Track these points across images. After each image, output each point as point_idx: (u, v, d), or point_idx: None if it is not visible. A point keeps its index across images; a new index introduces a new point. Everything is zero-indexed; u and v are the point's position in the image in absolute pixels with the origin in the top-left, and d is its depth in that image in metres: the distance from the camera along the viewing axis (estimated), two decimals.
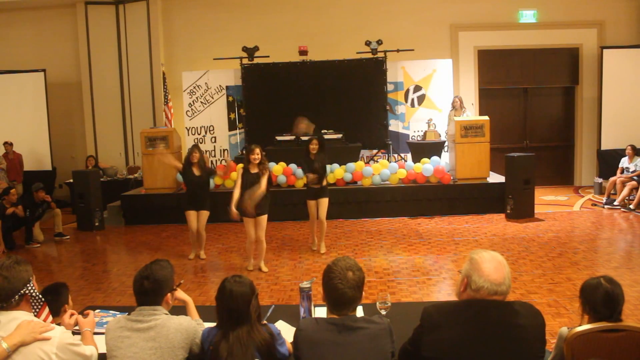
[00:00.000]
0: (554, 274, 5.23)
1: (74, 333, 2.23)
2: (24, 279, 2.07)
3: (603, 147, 10.07)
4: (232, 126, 10.31)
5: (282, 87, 9.78)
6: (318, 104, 9.66)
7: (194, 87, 10.28)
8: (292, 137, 9.13)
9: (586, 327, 2.22)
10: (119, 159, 10.99)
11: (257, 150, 5.44)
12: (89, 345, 2.23)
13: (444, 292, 4.93)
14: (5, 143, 9.81)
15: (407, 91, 10.07)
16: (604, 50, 9.94)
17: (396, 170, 8.44)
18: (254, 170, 5.46)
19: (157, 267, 2.20)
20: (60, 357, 1.99)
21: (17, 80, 10.49)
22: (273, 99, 9.82)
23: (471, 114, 9.56)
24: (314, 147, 6.03)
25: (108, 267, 6.40)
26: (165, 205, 8.48)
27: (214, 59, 9.88)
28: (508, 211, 7.88)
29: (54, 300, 2.57)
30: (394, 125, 10.05)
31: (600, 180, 9.66)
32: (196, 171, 6.16)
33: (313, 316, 2.67)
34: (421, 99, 10.05)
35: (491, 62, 10.52)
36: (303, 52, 9.70)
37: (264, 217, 5.58)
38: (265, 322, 2.26)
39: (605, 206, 8.42)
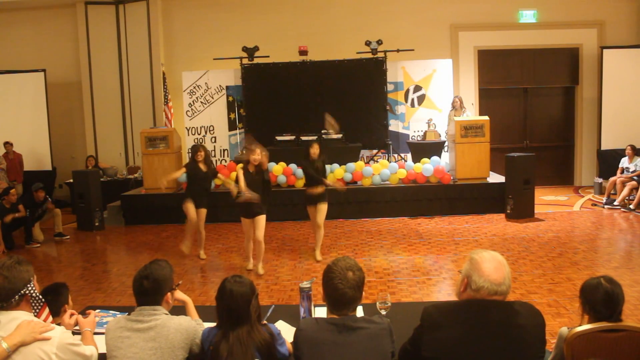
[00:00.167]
0: (554, 274, 5.23)
1: (74, 333, 2.23)
2: (24, 279, 2.07)
3: (603, 147, 10.07)
4: (232, 126, 10.31)
5: (282, 87, 9.78)
6: (318, 104, 9.65)
7: (194, 87, 10.28)
8: (292, 137, 9.13)
9: (586, 327, 2.22)
10: (119, 159, 10.99)
11: (258, 151, 5.42)
12: (89, 345, 2.23)
13: (444, 292, 4.93)
14: (6, 143, 9.80)
15: (407, 91, 10.07)
16: (604, 50, 9.94)
17: (396, 170, 8.44)
18: (253, 170, 5.46)
19: (156, 267, 2.20)
20: (60, 357, 1.99)
21: (17, 80, 10.49)
22: (273, 99, 9.82)
23: (471, 114, 9.56)
24: (315, 151, 5.94)
25: (108, 267, 6.40)
26: (165, 205, 8.49)
27: (214, 59, 9.88)
28: (508, 211, 7.88)
29: (54, 300, 2.57)
30: (394, 125, 10.05)
31: (600, 180, 9.67)
32: (203, 167, 6.24)
33: (313, 316, 2.67)
34: (421, 99, 10.05)
35: (491, 62, 10.52)
36: (303, 52, 9.70)
37: (262, 217, 5.51)
38: (265, 322, 2.26)
39: (605, 206, 8.42)
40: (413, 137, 9.99)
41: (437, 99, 9.98)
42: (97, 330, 2.45)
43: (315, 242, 6.19)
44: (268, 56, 9.69)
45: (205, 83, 10.26)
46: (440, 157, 8.82)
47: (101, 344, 2.22)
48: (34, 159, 10.55)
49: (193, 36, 10.70)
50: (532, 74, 10.58)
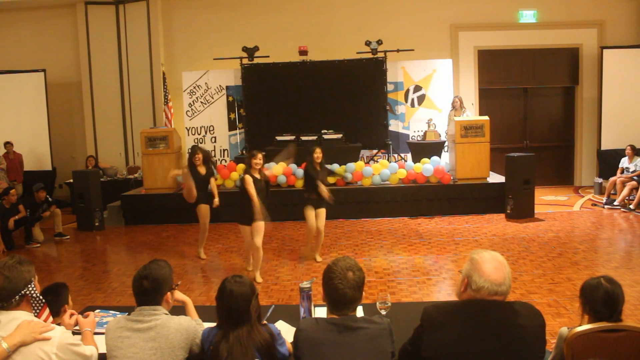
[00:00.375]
0: (554, 274, 5.23)
1: (74, 333, 2.23)
2: (25, 280, 2.07)
3: (603, 147, 10.07)
4: (232, 126, 10.31)
5: (282, 87, 9.79)
6: (318, 104, 9.67)
7: (194, 87, 10.28)
8: (292, 137, 9.13)
9: (586, 327, 2.22)
10: (119, 159, 10.99)
11: (260, 156, 5.34)
12: (89, 345, 2.23)
13: (444, 292, 4.93)
14: (7, 143, 9.81)
15: (407, 91, 10.07)
16: (604, 50, 9.94)
17: (396, 170, 8.44)
18: (257, 175, 5.35)
19: (155, 267, 2.20)
20: (60, 357, 1.99)
21: (17, 80, 10.49)
22: (273, 99, 9.83)
23: (471, 114, 9.56)
24: (318, 155, 5.82)
25: (108, 267, 6.40)
26: (165, 205, 8.49)
27: (214, 59, 9.88)
28: (508, 211, 7.88)
29: (54, 301, 2.57)
30: (394, 125, 10.05)
31: (600, 180, 9.67)
32: (202, 170, 6.22)
33: (313, 316, 2.67)
34: (421, 99, 10.05)
35: (491, 62, 10.52)
36: (303, 52, 9.70)
37: (262, 223, 5.33)
38: (265, 322, 2.26)
39: (605, 206, 8.42)
40: (413, 137, 9.99)
41: (437, 99, 9.98)
42: (97, 330, 2.45)
43: (314, 246, 6.09)
44: (268, 56, 9.69)
45: (205, 83, 10.26)
46: (440, 157, 8.82)
47: (101, 344, 2.22)
48: (34, 159, 10.56)
49: (193, 36, 10.70)
50: (532, 74, 10.58)
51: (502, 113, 10.61)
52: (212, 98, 10.29)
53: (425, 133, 9.49)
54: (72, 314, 2.48)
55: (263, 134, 9.45)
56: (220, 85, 10.25)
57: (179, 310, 2.39)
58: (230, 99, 10.28)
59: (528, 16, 10.39)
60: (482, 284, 1.85)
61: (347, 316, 2.01)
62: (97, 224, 8.25)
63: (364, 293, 2.07)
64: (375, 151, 9.92)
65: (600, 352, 2.19)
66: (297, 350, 2.00)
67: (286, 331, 2.40)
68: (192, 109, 10.33)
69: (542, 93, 10.78)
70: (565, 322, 3.93)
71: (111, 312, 2.84)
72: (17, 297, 2.05)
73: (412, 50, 9.57)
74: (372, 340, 1.96)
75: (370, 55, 9.59)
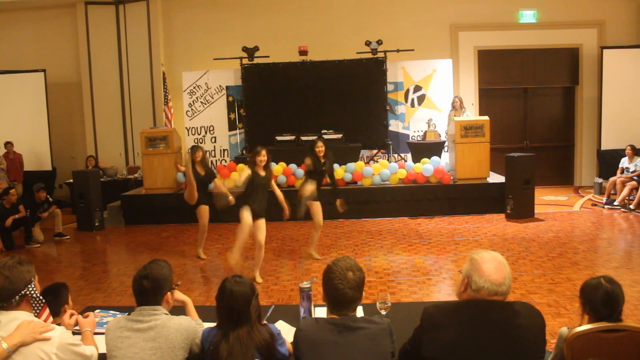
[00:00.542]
0: (554, 274, 5.23)
1: (74, 333, 2.23)
2: (25, 280, 2.07)
3: (603, 147, 10.07)
4: (232, 126, 10.31)
5: (282, 87, 9.79)
6: (318, 104, 9.67)
7: (194, 87, 10.28)
8: (292, 137, 9.14)
9: (586, 327, 2.22)
10: (119, 159, 10.99)
11: (264, 152, 5.29)
12: (89, 345, 2.23)
13: (444, 292, 4.93)
14: (7, 143, 9.81)
15: (407, 91, 10.07)
16: (604, 50, 9.94)
17: (396, 170, 8.45)
18: (262, 172, 5.32)
19: (155, 267, 2.20)
20: (61, 357, 1.99)
21: (17, 80, 10.49)
22: (273, 99, 9.83)
23: (471, 114, 9.56)
24: (320, 149, 5.76)
25: (108, 267, 6.40)
26: (165, 205, 8.49)
27: (214, 59, 9.88)
28: (508, 211, 7.88)
29: (54, 301, 2.57)
30: (394, 125, 10.05)
31: (600, 180, 9.67)
32: (200, 170, 6.20)
33: (313, 316, 2.67)
34: (421, 99, 10.05)
35: (491, 62, 10.53)
36: (303, 52, 9.70)
37: (263, 221, 5.33)
38: (265, 322, 2.26)
39: (605, 206, 8.42)
40: (413, 137, 9.99)
41: (437, 99, 9.98)
42: (97, 330, 2.46)
43: (312, 241, 6.15)
44: (268, 56, 9.69)
45: (205, 83, 10.26)
46: (440, 157, 8.82)
47: (101, 344, 2.22)
48: (34, 159, 10.56)
49: (193, 36, 10.70)
50: (532, 74, 10.58)
51: (502, 113, 10.61)
52: (212, 98, 10.29)
53: (425, 133, 9.49)
54: (72, 314, 2.48)
55: (263, 134, 9.44)
56: (220, 85, 10.25)
57: (179, 310, 2.39)
58: (230, 99, 10.28)
59: (528, 16, 10.39)
60: (482, 284, 1.85)
61: (347, 316, 2.01)
62: (97, 224, 8.25)
63: (364, 293, 2.06)
64: (375, 151, 9.92)
65: (600, 352, 2.19)
66: (297, 350, 2.00)
67: (286, 331, 2.40)
68: (192, 109, 10.33)
69: (542, 93, 10.78)
70: (565, 322, 3.93)
71: (111, 312, 2.84)
72: (17, 297, 2.05)
73: (412, 50, 9.57)
74: (372, 340, 1.96)
75: (370, 55, 9.59)
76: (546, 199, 9.30)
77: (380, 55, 9.58)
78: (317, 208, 5.90)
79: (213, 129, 10.31)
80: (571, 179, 10.87)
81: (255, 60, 9.81)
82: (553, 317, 4.11)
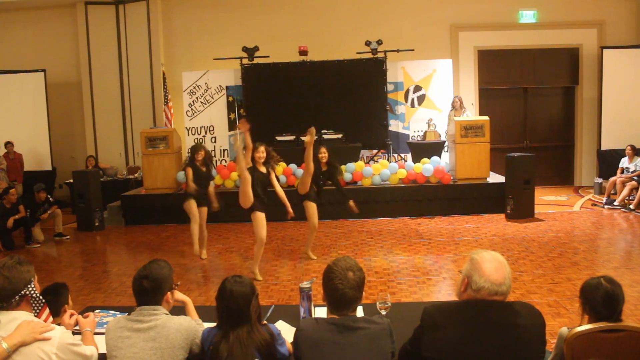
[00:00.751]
0: (554, 274, 5.23)
1: (74, 333, 2.23)
2: (25, 280, 2.07)
3: (603, 147, 10.07)
4: (232, 126, 10.30)
5: (282, 87, 9.79)
6: (318, 104, 9.67)
7: (194, 87, 10.28)
8: (292, 137, 9.13)
9: (586, 327, 2.22)
10: (119, 159, 10.99)
11: (262, 149, 5.30)
12: (89, 345, 2.23)
13: (444, 292, 4.93)
14: (7, 143, 9.81)
15: (407, 91, 10.07)
16: (604, 50, 9.94)
17: (396, 170, 8.45)
18: (262, 169, 5.32)
19: (155, 267, 2.20)
20: (61, 357, 1.99)
21: (17, 80, 10.49)
22: (273, 99, 9.82)
23: (471, 114, 9.56)
24: (322, 155, 5.75)
25: (108, 267, 6.40)
26: (165, 205, 8.48)
27: (214, 59, 9.88)
28: (508, 211, 7.88)
29: (54, 301, 2.57)
30: (394, 125, 10.05)
31: (600, 180, 9.67)
32: (202, 167, 6.23)
33: (313, 316, 2.67)
34: (421, 99, 10.05)
35: (491, 62, 10.53)
36: (303, 52, 9.70)
37: (263, 216, 5.30)
38: (265, 322, 2.26)
39: (605, 206, 8.42)
40: (413, 137, 9.99)
41: (437, 99, 9.98)
42: (97, 330, 2.46)
43: (308, 241, 6.16)
44: (268, 56, 9.69)
45: (205, 83, 10.26)
46: (440, 157, 8.82)
47: (101, 344, 2.22)
48: (34, 159, 10.56)
49: (193, 36, 10.70)
50: (532, 74, 10.58)
51: (502, 113, 10.61)
52: (212, 98, 10.29)
53: (425, 133, 9.49)
54: (72, 314, 2.48)
55: (263, 134, 9.39)
56: (220, 85, 10.25)
57: (179, 310, 2.39)
58: (230, 99, 10.28)
59: (528, 16, 10.39)
60: (482, 284, 1.85)
61: (347, 316, 2.01)
62: (97, 224, 8.25)
63: (364, 293, 2.07)
64: (375, 151, 9.92)
65: (600, 352, 2.19)
66: (297, 350, 2.00)
67: (286, 331, 2.40)
68: (192, 109, 10.33)
69: (542, 93, 10.78)
70: (565, 322, 3.92)
71: (111, 312, 2.84)
72: (17, 297, 2.05)
73: (412, 50, 9.57)
74: (372, 340, 1.96)
75: (370, 55, 9.59)
76: (546, 199, 9.30)
77: (380, 55, 9.58)
78: (313, 209, 5.88)
79: (213, 129, 10.31)
80: (571, 179, 10.87)
81: (255, 60, 9.81)
82: (553, 317, 4.11)
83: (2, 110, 10.58)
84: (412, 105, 10.08)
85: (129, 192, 9.17)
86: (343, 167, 8.44)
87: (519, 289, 4.79)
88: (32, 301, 2.11)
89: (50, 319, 2.25)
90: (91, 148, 10.97)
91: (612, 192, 8.65)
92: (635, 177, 8.38)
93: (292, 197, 8.11)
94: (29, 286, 2.08)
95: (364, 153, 9.84)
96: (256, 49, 9.72)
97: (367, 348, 1.94)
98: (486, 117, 8.61)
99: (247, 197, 5.07)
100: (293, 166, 8.44)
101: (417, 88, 10.04)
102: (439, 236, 6.98)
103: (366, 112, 9.70)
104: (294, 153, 8.42)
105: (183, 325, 2.13)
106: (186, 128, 10.29)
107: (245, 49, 9.71)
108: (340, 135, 9.11)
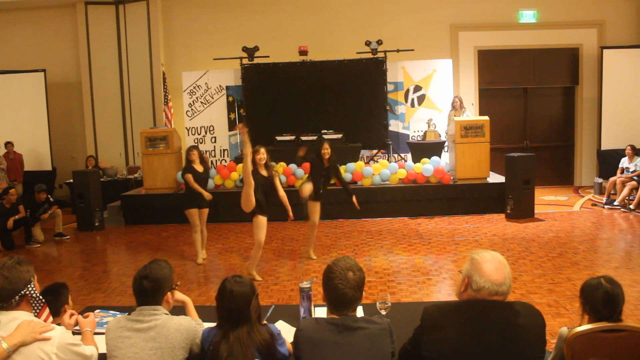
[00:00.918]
0: (554, 274, 5.23)
1: (74, 333, 2.23)
2: (25, 280, 2.07)
3: (603, 147, 10.07)
4: (232, 126, 10.31)
5: (282, 87, 9.79)
6: (318, 104, 9.67)
7: (194, 87, 10.28)
8: (292, 137, 9.13)
9: (586, 327, 2.22)
10: (119, 159, 10.99)
11: (262, 150, 5.25)
12: (89, 345, 2.23)
13: (444, 292, 4.93)
14: (7, 143, 9.82)
15: (407, 91, 10.07)
16: (604, 50, 9.94)
17: (396, 170, 8.45)
18: (263, 172, 5.27)
19: (156, 267, 2.19)
20: (61, 357, 1.99)
21: (17, 80, 10.50)
22: (273, 99, 9.83)
23: (471, 114, 9.56)
24: (325, 151, 5.73)
25: (108, 267, 6.40)
26: (165, 205, 8.48)
27: (214, 59, 9.88)
28: (508, 211, 7.88)
29: (54, 301, 2.57)
30: (394, 125, 10.05)
31: (600, 180, 9.67)
32: (199, 168, 6.22)
33: (313, 316, 2.67)
34: (421, 99, 10.05)
35: (491, 62, 10.53)
36: (303, 52, 9.70)
37: (263, 219, 5.30)
38: (265, 322, 2.26)
39: (605, 206, 8.42)
40: (413, 137, 9.99)
41: (437, 99, 9.98)
42: (97, 330, 2.46)
43: (310, 241, 6.14)
44: (268, 56, 9.69)
45: (205, 83, 10.26)
46: (440, 157, 8.82)
47: (101, 344, 2.22)
48: (34, 159, 10.56)
49: (193, 36, 10.70)
50: (532, 74, 10.58)
51: (502, 113, 10.61)
52: (212, 98, 10.29)
53: (425, 133, 9.49)
54: (72, 314, 2.48)
55: (263, 134, 9.42)
56: (220, 85, 10.25)
57: (179, 310, 2.39)
58: (230, 99, 10.28)
59: (528, 16, 10.39)
60: (482, 284, 1.85)
61: (347, 316, 2.01)
62: (97, 224, 8.25)
63: (364, 293, 2.06)
64: (375, 151, 9.92)
65: (600, 352, 2.19)
66: (297, 350, 2.00)
67: (286, 331, 2.40)
68: (192, 109, 10.33)
69: (542, 93, 10.78)
70: (565, 322, 3.93)
71: (111, 312, 2.84)
72: (17, 297, 2.05)
73: (412, 50, 9.57)
74: (372, 340, 1.96)
75: (370, 55, 9.59)
76: (546, 199, 9.30)
77: (380, 55, 9.58)
78: (315, 207, 5.91)
79: (213, 129, 10.31)
80: (571, 179, 10.87)
81: (255, 60, 9.82)
82: (553, 317, 4.11)
83: (2, 110, 10.58)
84: (412, 105, 10.08)
85: (129, 192, 9.17)
86: (343, 167, 8.44)
87: (519, 289, 4.79)
88: (32, 301, 2.11)
89: (50, 319, 2.25)
90: (91, 148, 10.97)
91: (612, 192, 8.65)
92: (635, 177, 8.38)
93: (293, 197, 8.15)
94: (29, 286, 2.08)
95: (364, 153, 9.84)
96: (256, 49, 9.72)
97: (367, 348, 1.94)
98: (486, 117, 8.61)
99: (250, 201, 5.04)
100: (293, 166, 8.43)
101: (417, 88, 10.04)
102: (439, 236, 6.98)
103: (366, 112, 9.70)
104: (294, 153, 8.40)
105: (183, 325, 2.13)
106: (186, 128, 10.29)
107: (245, 49, 9.71)
108: (340, 135, 9.11)
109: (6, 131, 10.29)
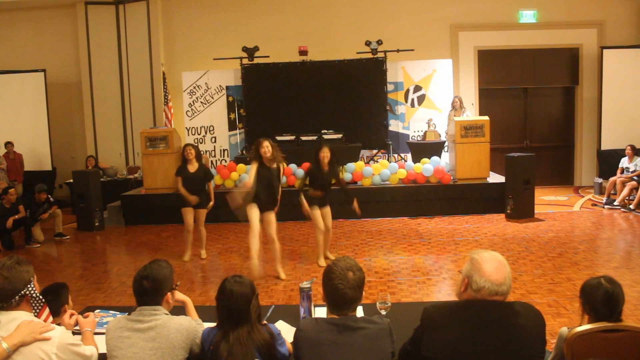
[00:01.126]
0: (554, 274, 5.23)
1: (74, 333, 2.23)
2: (24, 280, 2.07)
3: (603, 147, 10.07)
4: (232, 126, 10.31)
5: (282, 87, 9.79)
6: (318, 104, 9.68)
7: (194, 87, 10.28)
8: (292, 137, 9.13)
9: (586, 327, 2.22)
10: (119, 159, 10.99)
11: (266, 143, 5.13)
12: (89, 345, 2.23)
13: (444, 292, 4.93)
14: (7, 143, 9.82)
15: (407, 91, 10.07)
16: (604, 50, 9.94)
17: (396, 170, 8.45)
18: (268, 165, 5.16)
19: (156, 267, 2.19)
20: (60, 357, 1.99)
21: (17, 80, 10.50)
22: (273, 99, 9.83)
23: (471, 114, 9.56)
24: (324, 155, 5.48)
25: (108, 267, 6.40)
26: (165, 205, 8.47)
27: (214, 59, 9.88)
28: (508, 211, 7.88)
29: (54, 301, 2.57)
30: (394, 125, 10.06)
31: (600, 180, 9.67)
32: (191, 168, 6.18)
33: (313, 316, 2.67)
34: (421, 99, 10.06)
35: (491, 62, 10.53)
36: (303, 52, 9.70)
37: (272, 214, 5.24)
38: (265, 322, 2.26)
39: (605, 206, 8.42)
40: (413, 137, 9.99)
41: (437, 99, 9.98)
42: (97, 330, 2.46)
43: (324, 246, 5.84)
44: (268, 56, 9.69)
45: (205, 83, 10.26)
46: (440, 157, 8.82)
47: (101, 344, 2.22)
48: (34, 159, 10.56)
49: (193, 36, 10.70)
50: (532, 74, 10.58)
51: (502, 113, 10.61)
52: (212, 98, 10.29)
53: (425, 133, 9.49)
54: (72, 314, 2.48)
55: (263, 134, 9.37)
56: (220, 85, 10.25)
57: (179, 310, 2.39)
58: (230, 99, 10.28)
59: (528, 16, 10.39)
60: (482, 284, 1.85)
61: (347, 316, 2.01)
62: (97, 224, 8.25)
63: (364, 293, 2.07)
64: (375, 151, 9.92)
65: (600, 352, 2.19)
66: (297, 350, 2.00)
67: (286, 331, 2.40)
68: (192, 109, 10.33)
69: (542, 93, 10.78)
70: (565, 322, 3.92)
71: (111, 312, 2.84)
72: (16, 297, 2.05)
73: (412, 50, 9.57)
74: (372, 340, 1.96)
75: (370, 55, 9.59)
76: (546, 199, 9.30)
77: (380, 55, 9.59)
78: (317, 214, 5.63)
79: (213, 129, 10.32)
80: (571, 179, 10.87)
81: (255, 60, 9.82)
82: (553, 317, 4.11)
83: (2, 110, 10.58)
84: (412, 105, 10.08)
85: (129, 192, 9.17)
86: (343, 167, 8.44)
87: (519, 289, 4.79)
88: (32, 301, 2.11)
89: (50, 319, 2.24)
90: (91, 148, 10.97)
91: (612, 192, 8.65)
92: (635, 177, 8.38)
93: (293, 197, 8.15)
94: (29, 286, 2.08)
95: (364, 153, 9.84)
96: (256, 49, 9.72)
97: (367, 348, 1.94)
98: (486, 117, 8.60)
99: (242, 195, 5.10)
100: (293, 166, 8.43)
101: (417, 88, 10.04)
102: (439, 236, 6.98)
103: (366, 112, 9.70)
104: (294, 153, 8.41)
105: (183, 325, 2.13)
106: (186, 128, 10.29)
107: (245, 49, 9.72)
108: (340, 135, 9.11)
109: (6, 131, 10.29)
